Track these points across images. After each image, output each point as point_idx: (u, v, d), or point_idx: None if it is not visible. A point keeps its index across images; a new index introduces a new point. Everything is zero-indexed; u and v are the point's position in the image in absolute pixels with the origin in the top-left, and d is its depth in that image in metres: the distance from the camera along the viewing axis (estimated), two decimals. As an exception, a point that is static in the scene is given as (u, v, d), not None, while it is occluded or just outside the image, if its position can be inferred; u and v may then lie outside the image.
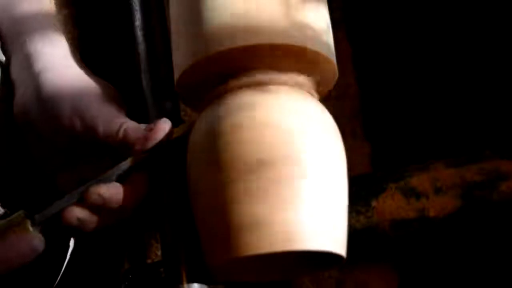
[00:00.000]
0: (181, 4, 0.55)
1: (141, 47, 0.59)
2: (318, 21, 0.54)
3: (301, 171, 0.50)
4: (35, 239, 0.54)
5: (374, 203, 0.65)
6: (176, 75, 0.55)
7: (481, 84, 0.77)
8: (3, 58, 0.61)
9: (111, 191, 0.54)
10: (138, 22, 0.60)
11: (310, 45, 0.53)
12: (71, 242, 0.65)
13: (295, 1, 0.53)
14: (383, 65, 0.80)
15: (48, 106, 0.57)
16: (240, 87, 0.53)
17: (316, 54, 0.53)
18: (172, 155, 0.55)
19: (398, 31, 0.80)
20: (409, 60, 0.79)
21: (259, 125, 0.50)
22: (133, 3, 0.60)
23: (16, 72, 0.60)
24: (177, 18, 0.55)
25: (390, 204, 0.65)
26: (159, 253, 0.69)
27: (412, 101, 0.78)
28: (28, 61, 0.59)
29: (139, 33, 0.60)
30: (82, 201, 0.54)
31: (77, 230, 0.55)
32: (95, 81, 0.58)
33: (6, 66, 0.61)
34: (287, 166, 0.50)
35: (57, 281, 0.64)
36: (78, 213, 0.54)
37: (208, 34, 0.52)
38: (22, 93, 0.59)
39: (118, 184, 0.54)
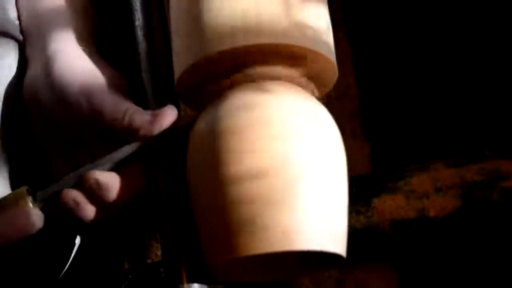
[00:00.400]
0: (181, 4, 0.55)
1: (142, 46, 0.59)
2: (318, 21, 0.54)
3: (301, 171, 0.50)
4: (34, 215, 0.54)
5: (374, 203, 0.65)
6: (176, 75, 0.55)
7: (481, 84, 0.77)
8: (21, 37, 0.62)
9: (108, 179, 0.54)
10: (138, 22, 0.60)
11: (310, 45, 0.53)
12: (77, 240, 0.65)
13: (295, 1, 0.53)
14: (383, 65, 0.80)
15: (57, 87, 0.57)
16: (240, 87, 0.53)
17: (316, 54, 0.53)
18: (175, 147, 0.55)
19: (398, 31, 0.80)
20: (409, 60, 0.79)
21: (259, 125, 0.50)
22: (133, 3, 0.60)
23: (30, 52, 0.61)
24: (177, 18, 0.55)
25: (390, 204, 0.65)
26: (159, 253, 0.69)
27: (412, 101, 0.78)
28: (42, 45, 0.60)
29: (139, 33, 0.60)
30: (80, 185, 0.54)
31: (76, 215, 0.55)
32: (105, 67, 0.59)
33: (23, 44, 0.62)
34: (287, 166, 0.50)
35: (60, 277, 0.64)
36: (74, 195, 0.54)
37: (208, 34, 0.52)
38: (32, 72, 0.59)
39: (116, 175, 0.54)
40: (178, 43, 0.55)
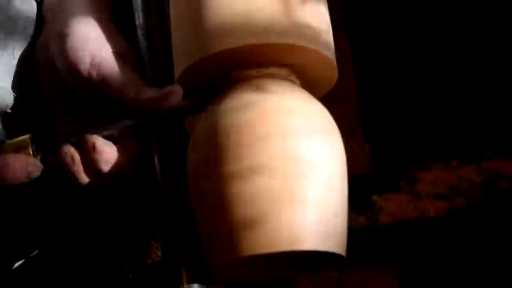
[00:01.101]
0: (181, 3, 0.55)
1: (142, 46, 0.59)
2: (318, 21, 0.54)
3: (301, 171, 0.50)
4: (31, 164, 0.54)
5: (374, 203, 0.65)
6: (176, 75, 0.55)
7: (481, 84, 0.77)
8: None
9: (104, 147, 0.55)
10: (138, 21, 0.60)
11: (310, 45, 0.53)
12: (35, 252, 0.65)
13: (295, 1, 0.53)
14: (383, 65, 0.80)
15: (69, 56, 0.57)
16: (240, 87, 0.53)
17: (316, 54, 0.53)
18: (174, 127, 0.56)
19: (398, 32, 0.80)
20: (409, 61, 0.79)
21: (259, 124, 0.50)
22: (133, 3, 0.61)
23: (47, 13, 0.61)
24: (177, 18, 0.55)
25: (390, 204, 0.65)
26: (159, 253, 0.69)
27: (412, 101, 0.78)
28: (59, 9, 0.60)
29: (139, 32, 0.60)
30: (79, 145, 0.55)
31: (69, 172, 0.55)
32: (118, 39, 0.59)
33: (40, 2, 0.62)
34: (287, 166, 0.50)
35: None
36: (72, 152, 0.55)
37: (208, 33, 0.52)
38: (48, 34, 0.59)
39: (112, 144, 0.55)
40: (178, 42, 0.55)
